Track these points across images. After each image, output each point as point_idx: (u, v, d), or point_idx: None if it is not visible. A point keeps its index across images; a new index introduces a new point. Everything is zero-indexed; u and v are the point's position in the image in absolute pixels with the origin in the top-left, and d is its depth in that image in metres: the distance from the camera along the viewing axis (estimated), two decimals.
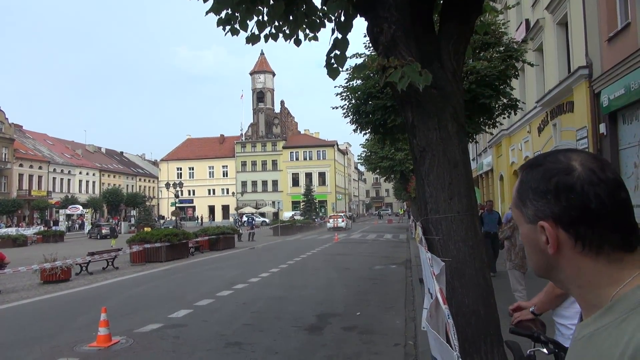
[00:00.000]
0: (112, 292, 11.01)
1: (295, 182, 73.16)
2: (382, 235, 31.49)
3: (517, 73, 11.42)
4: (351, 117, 11.33)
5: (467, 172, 3.69)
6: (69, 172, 66.11)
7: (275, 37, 4.80)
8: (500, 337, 3.50)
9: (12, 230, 42.05)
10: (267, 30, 4.73)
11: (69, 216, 54.16)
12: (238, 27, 4.66)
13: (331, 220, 43.57)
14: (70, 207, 54.71)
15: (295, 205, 69.28)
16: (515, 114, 13.74)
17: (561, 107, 13.65)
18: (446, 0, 3.78)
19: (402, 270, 13.54)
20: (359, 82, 10.70)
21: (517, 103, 11.63)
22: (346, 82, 11.09)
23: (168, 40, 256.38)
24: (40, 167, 60.84)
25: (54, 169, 63.09)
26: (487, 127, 12.52)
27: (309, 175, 72.71)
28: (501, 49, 10.73)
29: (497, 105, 11.06)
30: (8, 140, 56.23)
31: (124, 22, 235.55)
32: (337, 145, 77.09)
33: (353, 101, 11.01)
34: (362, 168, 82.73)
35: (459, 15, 3.71)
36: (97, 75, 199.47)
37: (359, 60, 11.04)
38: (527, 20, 17.01)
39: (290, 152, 74.08)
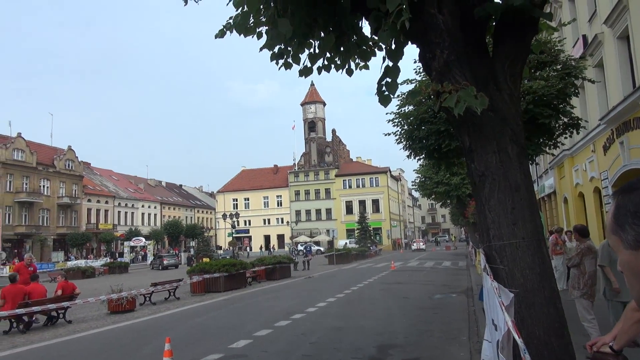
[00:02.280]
0: (174, 322, 11.28)
1: (349, 209, 73.01)
2: (440, 263, 30.62)
3: (577, 91, 10.99)
4: (404, 143, 11.26)
5: (531, 196, 3.54)
6: (133, 205, 69.31)
7: (327, 69, 4.89)
8: None
9: (81, 262, 44.37)
10: (319, 62, 4.82)
11: (132, 248, 56.52)
12: (291, 61, 4.78)
13: (415, 244, 61.22)
14: (133, 239, 57.18)
15: (349, 233, 68.96)
16: (578, 133, 13.15)
17: (628, 123, 12.94)
18: (500, 21, 3.72)
19: (463, 299, 13.06)
20: (410, 107, 10.66)
21: (579, 122, 11.15)
22: (398, 109, 11.08)
23: (223, 75, 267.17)
24: (106, 202, 64.23)
25: (119, 203, 66.38)
26: (547, 147, 12.05)
27: (362, 203, 72.39)
28: (558, 67, 10.40)
29: (557, 125, 10.65)
30: (78, 178, 59.96)
31: (183, 59, 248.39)
32: (390, 172, 76.55)
33: (405, 127, 10.95)
34: (416, 194, 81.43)
35: (513, 35, 3.64)
36: (157, 112, 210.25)
37: (410, 87, 11.02)
38: (584, 36, 16.43)
39: (343, 180, 74.23)
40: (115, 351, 8.32)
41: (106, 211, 64.12)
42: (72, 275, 31.34)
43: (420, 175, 34.32)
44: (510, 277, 3.38)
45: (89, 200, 61.18)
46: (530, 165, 22.92)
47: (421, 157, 11.86)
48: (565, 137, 12.20)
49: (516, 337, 2.46)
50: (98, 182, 66.73)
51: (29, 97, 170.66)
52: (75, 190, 59.03)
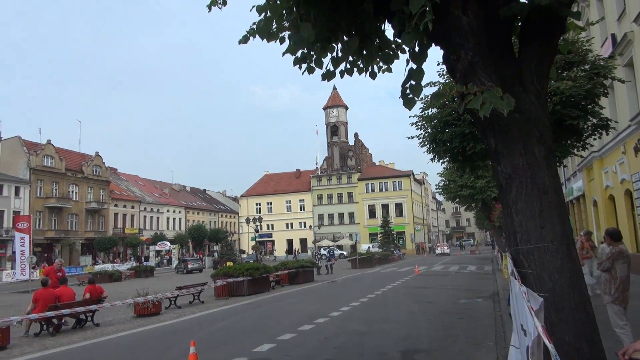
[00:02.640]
0: (199, 326, 11.39)
1: (372, 213, 72.70)
2: (465, 267, 30.21)
3: (606, 91, 10.73)
4: (428, 146, 11.16)
5: (559, 199, 3.47)
6: (158, 210, 70.39)
7: (350, 72, 4.89)
8: None
9: (108, 266, 45.22)
10: (342, 66, 4.82)
11: (158, 252, 57.36)
12: (314, 65, 4.79)
13: (439, 248, 61.83)
14: (159, 243, 58.05)
15: (372, 237, 68.64)
16: (607, 134, 12.84)
17: None
18: (526, 21, 3.66)
19: (489, 304, 12.84)
20: (434, 110, 10.58)
21: (609, 122, 10.88)
22: (421, 111, 11.00)
23: (246, 80, 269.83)
24: (132, 207, 65.39)
25: (145, 208, 67.50)
26: (575, 149, 11.80)
27: (385, 207, 71.99)
28: (586, 66, 10.18)
29: (585, 126, 10.42)
30: (105, 183, 61.25)
31: (206, 65, 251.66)
32: (413, 175, 75.98)
33: (429, 130, 10.87)
34: (440, 197, 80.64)
35: (540, 35, 3.58)
36: (181, 118, 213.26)
37: (433, 89, 10.94)
38: (613, 35, 16.05)
39: (366, 184, 74.00)
40: (141, 354, 8.44)
41: (132, 216, 65.27)
42: (100, 278, 31.91)
43: (444, 178, 33.95)
44: (539, 281, 3.31)
45: (116, 205, 62.39)
46: (559, 168, 22.49)
47: (445, 160, 11.74)
48: (594, 139, 11.93)
49: (547, 342, 2.40)
50: (124, 187, 68.02)
51: (57, 104, 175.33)
52: (102, 196, 60.31)
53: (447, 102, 9.67)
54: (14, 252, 35.80)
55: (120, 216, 63.02)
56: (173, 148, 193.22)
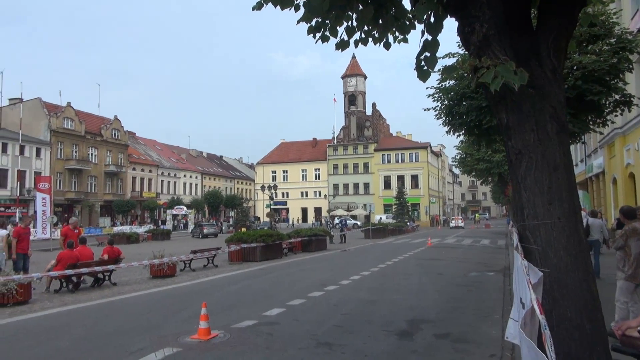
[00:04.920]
0: (211, 289, 11.69)
1: (387, 184, 72.65)
2: (478, 241, 30.22)
3: (631, 66, 10.41)
4: (444, 118, 11.04)
5: (569, 176, 3.44)
6: (175, 175, 71.26)
7: (364, 42, 4.83)
8: (609, 356, 3.22)
9: (126, 228, 46.27)
10: (356, 36, 4.76)
11: (174, 216, 58.42)
12: (328, 34, 4.74)
13: (454, 221, 61.14)
14: (175, 207, 59.05)
15: (387, 208, 68.78)
16: (630, 111, 12.52)
17: None
18: None
19: (499, 278, 12.90)
20: (451, 82, 10.40)
21: (632, 99, 10.60)
22: (438, 83, 10.83)
23: (265, 47, 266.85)
24: (150, 171, 66.27)
25: (162, 172, 68.38)
26: (596, 125, 11.56)
27: (401, 178, 71.83)
28: (612, 40, 9.85)
29: (607, 102, 10.17)
30: (123, 147, 62.02)
31: (225, 32, 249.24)
32: (431, 147, 75.33)
33: (446, 102, 10.72)
34: (457, 171, 80.00)
35: (559, 8, 3.48)
36: (199, 84, 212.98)
37: (452, 60, 10.73)
38: None
39: (382, 155, 73.67)
40: (156, 313, 8.73)
41: (150, 180, 66.23)
42: (118, 240, 32.62)
43: (461, 151, 33.68)
44: (544, 257, 3.33)
45: (134, 169, 63.30)
46: (577, 144, 22.04)
47: (461, 133, 11.62)
48: (616, 115, 11.67)
49: (538, 313, 2.45)
50: (142, 152, 68.79)
51: (77, 68, 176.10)
52: (121, 159, 61.17)
53: (465, 75, 9.50)
54: (35, 212, 36.75)
55: (138, 180, 64.01)
56: (190, 114, 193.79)
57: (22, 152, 48.10)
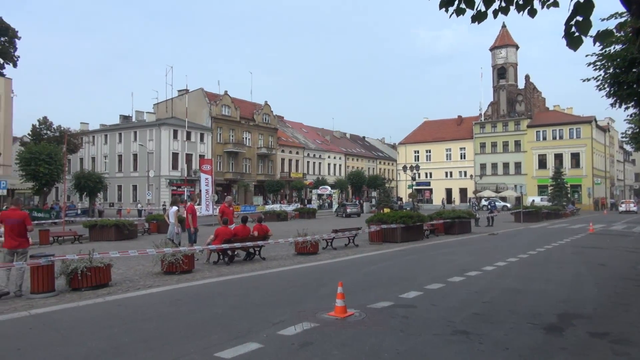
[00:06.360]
0: (351, 267, 11.99)
1: (542, 164, 66.80)
2: None
3: None
4: (608, 89, 9.67)
5: None
6: (320, 156, 74.20)
7: (505, 11, 4.43)
8: None
9: (277, 206, 49.63)
10: (495, 5, 4.39)
11: (319, 195, 60.97)
12: (464, 6, 4.45)
13: (623, 205, 53.35)
14: (320, 187, 61.58)
15: (541, 189, 63.41)
16: None
17: None
18: None
19: None
20: (617, 47, 9.03)
21: None
22: (601, 49, 9.49)
23: (408, 23, 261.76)
24: (297, 153, 69.99)
25: (308, 154, 71.74)
26: None
27: (558, 157, 65.42)
28: None
29: None
30: (273, 130, 66.34)
31: (367, 12, 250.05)
32: (596, 122, 67.08)
33: (610, 70, 9.36)
34: (629, 147, 70.09)
35: None
36: (343, 65, 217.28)
37: (617, 22, 9.28)
38: None
39: (537, 131, 67.75)
40: (298, 288, 9.25)
41: (297, 161, 69.98)
42: (268, 217, 35.30)
43: (633, 125, 29.36)
44: None
45: (282, 151, 67.44)
46: None
47: (629, 105, 10.08)
48: None
49: None
50: (290, 135, 72.83)
51: (231, 57, 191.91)
52: (271, 142, 65.59)
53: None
54: (200, 191, 41.29)
55: (286, 161, 68.09)
56: (335, 96, 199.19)
57: (188, 137, 54.31)
